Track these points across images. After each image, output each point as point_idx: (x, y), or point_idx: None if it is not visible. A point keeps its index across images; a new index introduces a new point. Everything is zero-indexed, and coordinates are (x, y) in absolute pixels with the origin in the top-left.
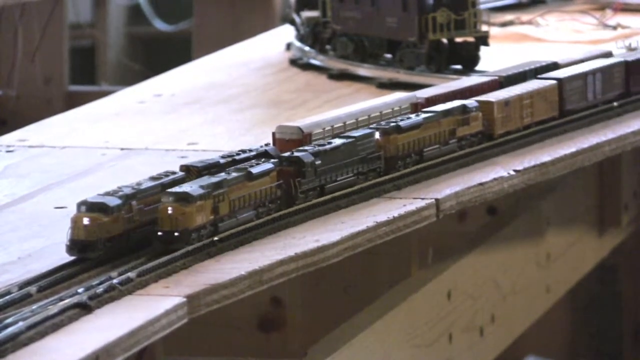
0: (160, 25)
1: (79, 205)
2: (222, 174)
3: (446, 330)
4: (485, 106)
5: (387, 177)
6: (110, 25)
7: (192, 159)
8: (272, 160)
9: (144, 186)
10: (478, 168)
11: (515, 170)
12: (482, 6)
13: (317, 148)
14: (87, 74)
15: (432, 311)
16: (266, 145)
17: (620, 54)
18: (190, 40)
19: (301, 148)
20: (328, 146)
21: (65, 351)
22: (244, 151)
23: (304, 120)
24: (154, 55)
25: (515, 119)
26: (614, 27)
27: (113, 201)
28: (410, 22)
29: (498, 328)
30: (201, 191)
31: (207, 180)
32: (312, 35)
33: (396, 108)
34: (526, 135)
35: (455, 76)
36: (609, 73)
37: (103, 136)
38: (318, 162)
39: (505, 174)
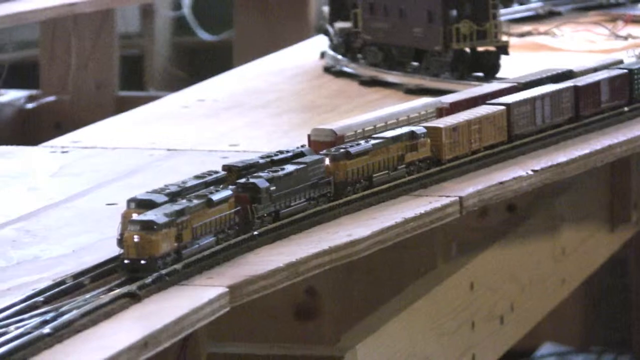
0: (203, 35)
1: (129, 202)
2: (184, 201)
3: (469, 319)
4: (434, 132)
5: (336, 202)
6: (157, 35)
7: (233, 159)
8: (230, 186)
9: (188, 184)
10: (498, 168)
11: (533, 170)
12: (502, 18)
13: (271, 174)
14: (135, 80)
15: (456, 301)
16: (302, 146)
17: (630, 62)
18: (231, 50)
19: (255, 174)
20: (282, 172)
21: (116, 337)
22: (281, 152)
23: (337, 124)
24: (198, 63)
25: (463, 144)
26: (625, 38)
27: (160, 198)
28: (435, 33)
29: (517, 317)
30: (166, 219)
31: (170, 208)
32: (344, 45)
33: (422, 112)
34: (509, 148)
35: (477, 83)
36: (557, 98)
37: (150, 138)
38: (273, 188)
39: (523, 173)
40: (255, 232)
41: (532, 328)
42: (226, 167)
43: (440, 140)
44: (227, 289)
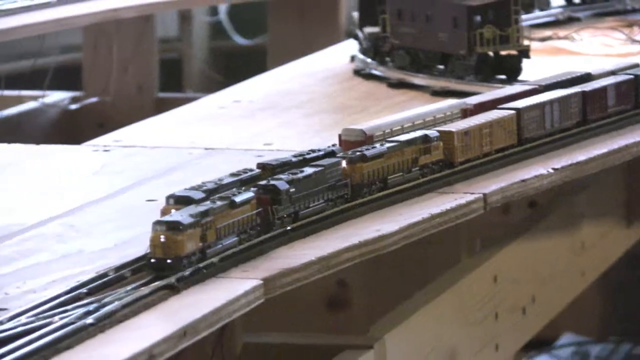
0: (239, 39)
1: (168, 198)
2: (208, 202)
3: (492, 310)
4: (446, 136)
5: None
6: (195, 40)
7: (268, 157)
8: (252, 189)
9: (225, 182)
10: (520, 167)
11: (553, 169)
12: (523, 23)
13: (290, 176)
14: (174, 82)
15: (480, 293)
16: (333, 145)
17: (637, 69)
18: (265, 53)
19: (276, 177)
20: (301, 175)
21: (156, 327)
22: (313, 151)
23: (367, 124)
24: (233, 66)
25: (474, 148)
26: None
27: (198, 195)
28: (460, 37)
29: (538, 308)
30: (191, 220)
31: (194, 209)
32: (373, 49)
33: (448, 113)
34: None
35: (500, 85)
36: (566, 103)
37: (189, 137)
38: (292, 190)
39: (544, 171)
40: (288, 227)
41: (552, 319)
42: (261, 165)
43: (453, 143)
44: (261, 282)
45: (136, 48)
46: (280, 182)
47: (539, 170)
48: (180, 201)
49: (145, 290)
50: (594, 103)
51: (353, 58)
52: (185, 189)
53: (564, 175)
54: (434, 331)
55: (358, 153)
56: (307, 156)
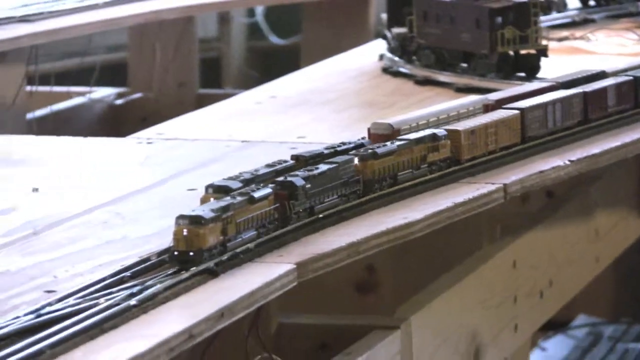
0: (274, 39)
1: (207, 187)
2: (228, 198)
3: (511, 294)
4: (453, 134)
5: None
6: (233, 40)
7: (301, 149)
8: (270, 185)
9: (260, 172)
10: (538, 159)
11: (570, 161)
12: (542, 24)
13: (307, 173)
14: (213, 79)
15: (500, 278)
16: (362, 139)
17: (636, 70)
18: (299, 52)
19: (292, 173)
20: (316, 171)
21: (196, 308)
22: (344, 143)
23: (394, 118)
24: (269, 65)
25: (480, 146)
26: None
27: (235, 185)
28: (482, 38)
29: (555, 292)
30: (212, 215)
31: (216, 204)
32: (401, 48)
33: (470, 108)
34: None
35: (519, 82)
36: (568, 103)
37: (227, 131)
38: (308, 186)
39: (561, 163)
40: (321, 216)
41: (568, 302)
42: (295, 157)
43: (460, 141)
44: (294, 266)
45: (178, 47)
46: (297, 178)
47: (556, 162)
48: (218, 190)
49: (185, 274)
50: (595, 103)
51: (382, 57)
52: (224, 179)
53: (580, 167)
54: (457, 313)
55: (370, 151)
56: (338, 148)
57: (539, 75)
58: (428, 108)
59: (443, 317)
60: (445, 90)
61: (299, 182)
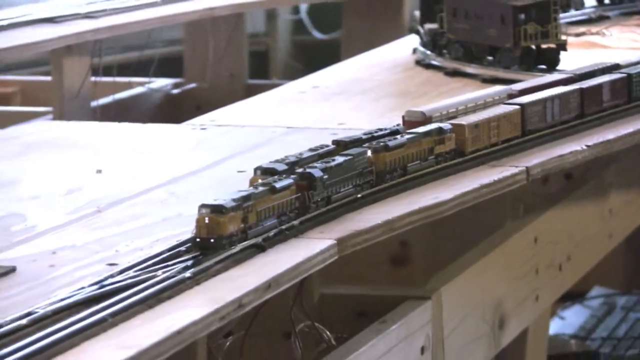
0: (317, 34)
1: (255, 169)
2: (251, 188)
3: (533, 267)
4: (458, 128)
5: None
6: (280, 35)
7: (341, 135)
8: (292, 176)
9: (304, 156)
10: (558, 144)
11: (587, 145)
12: (561, 21)
13: (324, 165)
14: (261, 71)
15: (523, 252)
16: (397, 125)
17: (630, 68)
18: (339, 46)
19: (311, 165)
20: (333, 163)
21: (245, 280)
22: (380, 129)
23: (426, 107)
24: (312, 57)
25: (483, 139)
26: None
27: (281, 167)
28: (507, 33)
29: (572, 265)
30: (233, 204)
31: (237, 194)
32: (432, 42)
33: (496, 98)
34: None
35: (540, 74)
36: (565, 98)
37: (273, 118)
38: (326, 177)
39: (579, 148)
40: (359, 195)
41: (584, 274)
42: (335, 142)
43: (464, 135)
44: (335, 242)
45: (229, 41)
46: (316, 170)
47: (574, 147)
48: (266, 172)
49: (235, 248)
50: (591, 98)
51: (415, 50)
52: (270, 161)
53: (596, 151)
54: (483, 284)
55: (381, 143)
56: (375, 134)
57: (558, 67)
58: (457, 97)
59: (470, 288)
60: (472, 81)
61: (317, 173)
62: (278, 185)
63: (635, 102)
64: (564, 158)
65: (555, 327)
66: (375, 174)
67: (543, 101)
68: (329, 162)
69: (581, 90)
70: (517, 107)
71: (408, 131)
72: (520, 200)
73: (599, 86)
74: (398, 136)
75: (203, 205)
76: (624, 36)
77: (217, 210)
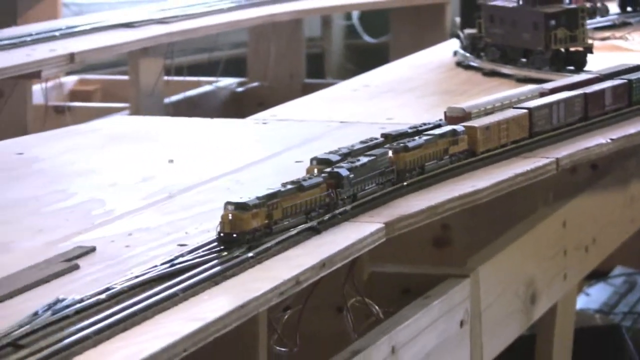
0: (367, 38)
1: (312, 160)
2: (279, 186)
3: (562, 249)
4: (471, 130)
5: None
6: (334, 39)
7: (389, 129)
8: (322, 175)
9: (355, 147)
10: (585, 137)
11: (611, 139)
12: (588, 26)
13: (350, 165)
14: (317, 71)
15: (553, 235)
16: (439, 120)
17: (631, 74)
18: (388, 49)
19: (339, 165)
20: (358, 163)
21: (302, 259)
22: (424, 124)
23: (466, 103)
24: (363, 59)
25: (494, 140)
26: None
27: (334, 157)
28: (539, 37)
29: (597, 247)
30: (256, 201)
31: (264, 192)
32: (471, 46)
33: (529, 96)
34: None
35: (569, 74)
36: (570, 102)
37: (328, 113)
38: (352, 176)
39: (604, 141)
40: (405, 183)
41: (608, 255)
42: (384, 135)
43: (476, 136)
44: (383, 225)
45: (288, 44)
46: (343, 169)
47: (599, 140)
48: (321, 162)
49: (293, 231)
50: (594, 102)
51: (455, 53)
52: (325, 152)
53: (619, 144)
54: (517, 264)
55: (401, 144)
56: (420, 128)
57: (585, 68)
58: (493, 95)
59: (505, 267)
60: (507, 81)
61: (344, 172)
62: (306, 183)
63: (636, 105)
64: (590, 150)
65: (581, 302)
66: (396, 172)
67: (549, 105)
68: (354, 162)
69: (585, 95)
70: (525, 110)
71: (425, 133)
72: (551, 188)
73: (602, 91)
74: (416, 137)
75: (228, 203)
76: None
77: (240, 207)
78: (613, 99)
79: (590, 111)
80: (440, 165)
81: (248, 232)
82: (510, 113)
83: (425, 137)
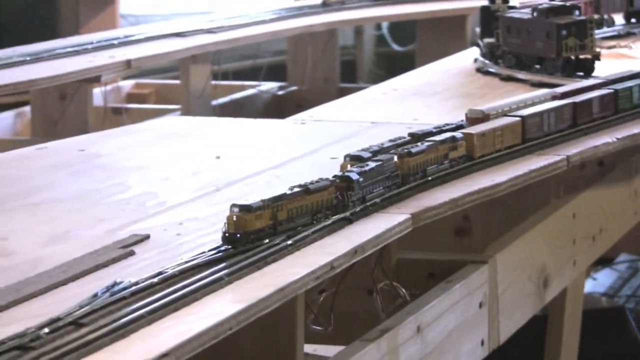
0: (395, 46)
1: (345, 156)
2: (287, 190)
3: (572, 238)
4: (468, 136)
5: (403, 188)
6: (365, 47)
7: (415, 128)
8: (330, 179)
9: (385, 145)
10: (593, 137)
11: (617, 138)
12: (596, 36)
13: (360, 169)
14: (350, 76)
15: (563, 226)
16: (461, 121)
17: (616, 84)
18: (414, 56)
19: (349, 169)
20: (367, 168)
21: (336, 246)
22: (447, 124)
23: (485, 106)
24: (392, 65)
25: (489, 146)
26: None
27: (366, 154)
28: (551, 45)
29: (604, 236)
30: (260, 204)
31: (270, 195)
32: (490, 53)
33: (542, 99)
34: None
35: (579, 79)
36: (560, 111)
37: (360, 114)
38: (361, 179)
39: (610, 140)
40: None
41: (613, 244)
42: (411, 134)
43: (473, 142)
44: (410, 216)
45: (324, 52)
46: (353, 173)
47: (606, 139)
48: (354, 159)
49: (328, 221)
50: (583, 111)
51: (475, 60)
52: (357, 150)
53: (624, 143)
54: (531, 251)
55: (405, 150)
56: (443, 128)
57: (593, 74)
58: (510, 98)
59: (520, 254)
60: (523, 85)
61: (354, 176)
62: (312, 187)
63: (621, 113)
64: (598, 148)
65: (588, 286)
66: (400, 176)
67: (540, 113)
68: (363, 167)
69: (574, 104)
70: (519, 118)
71: (427, 139)
72: (562, 182)
73: (590, 100)
74: (419, 144)
75: (233, 205)
76: None
77: (244, 209)
78: (600, 108)
79: (579, 119)
80: (441, 169)
81: (252, 232)
82: (504, 121)
83: (427, 143)
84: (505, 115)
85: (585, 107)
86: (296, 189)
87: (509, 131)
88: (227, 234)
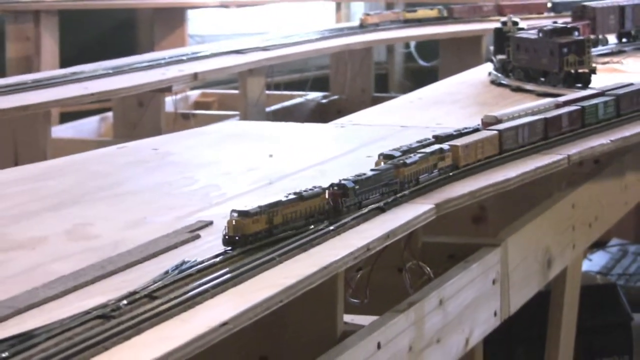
0: (421, 62)
1: (379, 155)
2: (282, 197)
3: (571, 225)
4: (454, 148)
5: (401, 194)
6: (396, 63)
7: (439, 131)
8: (324, 187)
9: (413, 145)
10: (591, 139)
11: (611, 140)
12: (593, 53)
13: (356, 178)
14: (383, 87)
15: (564, 215)
16: (477, 125)
17: (583, 102)
18: (437, 70)
19: (345, 178)
20: (363, 176)
21: (369, 232)
22: (466, 128)
23: (498, 112)
24: (418, 78)
25: (472, 156)
26: None
27: (397, 154)
28: (554, 61)
29: (599, 223)
30: (257, 209)
31: (266, 201)
32: (502, 68)
33: (547, 106)
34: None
35: (578, 90)
36: (533, 125)
37: (391, 119)
38: (357, 187)
39: (605, 141)
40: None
41: (607, 230)
42: (435, 136)
43: (458, 153)
44: (434, 205)
45: (361, 66)
46: (348, 182)
47: (601, 141)
48: (386, 157)
49: (364, 210)
50: (553, 125)
51: (490, 73)
52: (389, 150)
53: (617, 144)
54: (537, 236)
55: (401, 161)
56: (463, 131)
57: (590, 85)
58: (519, 106)
59: (528, 238)
60: (530, 95)
61: (349, 184)
62: (306, 194)
63: (588, 127)
64: (594, 148)
65: (585, 266)
66: (399, 184)
67: (515, 128)
68: (360, 175)
69: (545, 119)
70: (496, 132)
71: (419, 151)
72: (563, 177)
73: (559, 116)
74: (412, 155)
75: (233, 210)
76: (637, 64)
77: (242, 214)
78: (569, 122)
79: (550, 132)
80: (431, 177)
81: (249, 235)
82: (484, 134)
83: (419, 155)
84: (515, 119)
85: (555, 122)
86: (291, 196)
87: (488, 143)
88: (227, 237)
